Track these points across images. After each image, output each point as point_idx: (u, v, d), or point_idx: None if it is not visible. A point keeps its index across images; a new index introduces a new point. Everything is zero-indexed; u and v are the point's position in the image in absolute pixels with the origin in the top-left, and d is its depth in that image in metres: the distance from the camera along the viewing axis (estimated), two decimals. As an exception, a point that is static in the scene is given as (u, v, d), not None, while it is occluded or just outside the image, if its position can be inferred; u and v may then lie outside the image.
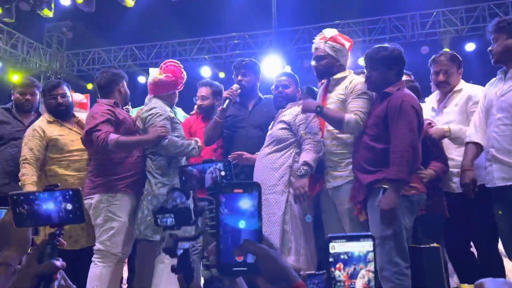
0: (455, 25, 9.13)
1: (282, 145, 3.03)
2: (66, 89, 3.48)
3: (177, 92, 3.33)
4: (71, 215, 1.08)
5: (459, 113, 3.07)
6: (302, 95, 3.34)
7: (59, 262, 1.06)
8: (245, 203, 0.81)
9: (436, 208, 2.92)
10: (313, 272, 1.11)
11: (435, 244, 2.57)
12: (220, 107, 3.26)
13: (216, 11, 9.81)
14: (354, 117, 2.74)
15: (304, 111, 2.93)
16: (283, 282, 0.78)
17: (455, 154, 2.98)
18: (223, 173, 1.12)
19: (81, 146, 3.26)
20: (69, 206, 1.08)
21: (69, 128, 3.39)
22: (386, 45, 2.77)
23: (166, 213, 1.19)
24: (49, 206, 1.08)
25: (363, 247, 0.86)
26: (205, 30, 10.20)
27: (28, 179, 3.16)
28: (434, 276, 2.55)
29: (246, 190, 0.82)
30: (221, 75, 9.96)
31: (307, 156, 2.88)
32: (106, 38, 10.31)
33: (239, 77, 3.38)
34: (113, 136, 2.93)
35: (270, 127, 3.22)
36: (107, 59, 10.77)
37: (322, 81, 3.20)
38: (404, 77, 2.98)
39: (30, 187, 3.13)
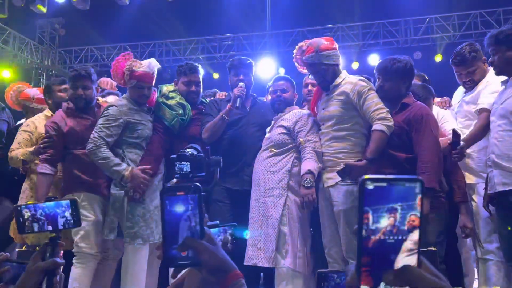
0: (447, 31, 9.24)
1: (281, 149, 3.05)
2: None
3: (137, 92, 3.16)
4: (69, 221, 1.28)
5: None
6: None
7: (60, 260, 1.22)
8: (187, 204, 0.93)
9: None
10: (331, 270, 1.12)
11: (432, 248, 2.61)
12: (230, 105, 3.17)
13: (211, 11, 9.81)
14: (381, 121, 2.73)
15: (355, 176, 2.73)
16: (221, 272, 0.91)
17: None
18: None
19: None
20: (67, 214, 1.28)
21: None
22: (400, 57, 2.85)
23: (183, 160, 1.28)
24: (50, 214, 1.27)
25: (408, 190, 0.68)
26: (199, 30, 10.19)
27: (25, 151, 3.32)
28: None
29: (188, 192, 0.94)
30: (215, 75, 9.96)
31: (310, 165, 2.89)
32: (99, 35, 10.25)
33: (241, 76, 3.30)
34: (40, 170, 3.08)
35: (268, 130, 3.23)
36: (100, 57, 10.70)
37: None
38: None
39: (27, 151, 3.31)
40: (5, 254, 1.27)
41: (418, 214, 0.68)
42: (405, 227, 0.68)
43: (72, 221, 1.28)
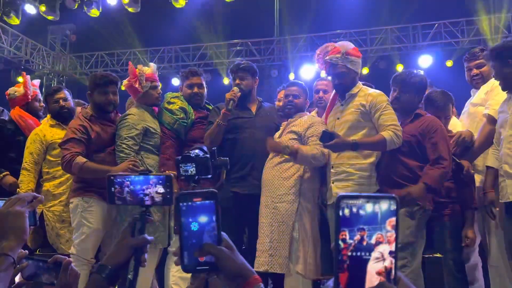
0: (455, 37, 9.21)
1: None
2: (66, 93, 3.58)
3: (153, 94, 3.26)
4: (161, 198, 1.21)
5: None
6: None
7: (148, 237, 1.18)
8: (204, 210, 0.92)
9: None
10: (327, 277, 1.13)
11: (437, 254, 2.62)
12: (224, 110, 3.18)
13: (218, 18, 9.87)
14: (392, 133, 2.75)
15: (337, 150, 2.85)
16: (240, 278, 0.90)
17: None
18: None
19: None
20: (160, 190, 1.21)
21: None
22: (416, 71, 2.96)
23: (188, 162, 1.27)
24: (142, 188, 1.21)
25: (381, 207, 0.68)
26: (207, 37, 10.25)
27: (24, 186, 3.26)
28: (435, 285, 2.59)
29: (205, 198, 0.92)
30: (225, 81, 9.99)
31: (304, 147, 2.94)
32: (109, 41, 10.35)
33: (237, 81, 3.34)
34: (79, 160, 2.95)
35: (277, 135, 3.23)
36: (110, 63, 10.80)
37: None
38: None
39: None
40: (25, 251, 1.22)
41: (393, 231, 0.69)
42: (382, 242, 0.69)
43: (162, 198, 1.21)
